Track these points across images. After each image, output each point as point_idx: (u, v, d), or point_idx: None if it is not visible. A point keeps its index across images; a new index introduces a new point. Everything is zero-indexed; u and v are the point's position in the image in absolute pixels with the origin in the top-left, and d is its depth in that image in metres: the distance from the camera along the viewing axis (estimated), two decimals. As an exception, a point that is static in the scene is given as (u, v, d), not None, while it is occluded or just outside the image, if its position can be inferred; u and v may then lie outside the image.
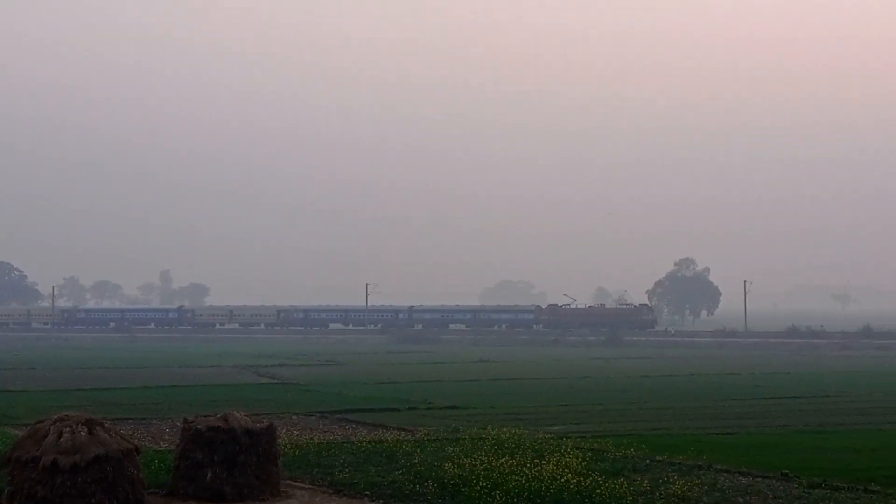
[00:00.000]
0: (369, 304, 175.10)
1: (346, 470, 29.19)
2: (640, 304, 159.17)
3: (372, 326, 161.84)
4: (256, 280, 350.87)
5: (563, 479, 25.96)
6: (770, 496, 25.99)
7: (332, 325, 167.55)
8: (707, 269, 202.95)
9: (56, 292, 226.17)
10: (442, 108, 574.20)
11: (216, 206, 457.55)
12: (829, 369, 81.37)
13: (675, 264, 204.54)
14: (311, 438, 36.04)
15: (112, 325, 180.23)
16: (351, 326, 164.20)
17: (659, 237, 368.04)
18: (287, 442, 32.75)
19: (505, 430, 36.13)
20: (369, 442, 35.10)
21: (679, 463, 30.75)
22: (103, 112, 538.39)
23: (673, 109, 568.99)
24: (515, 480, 25.86)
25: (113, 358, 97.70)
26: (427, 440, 35.69)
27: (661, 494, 25.28)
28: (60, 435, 24.22)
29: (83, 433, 24.37)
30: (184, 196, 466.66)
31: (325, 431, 39.26)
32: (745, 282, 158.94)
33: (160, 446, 33.34)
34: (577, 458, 29.04)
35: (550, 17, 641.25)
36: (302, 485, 27.36)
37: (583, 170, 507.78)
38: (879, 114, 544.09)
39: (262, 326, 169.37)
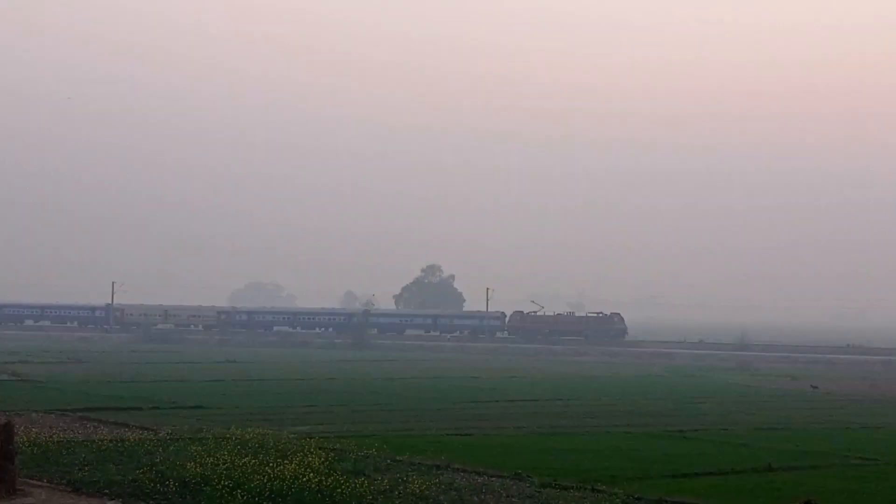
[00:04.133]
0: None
1: (86, 468, 28.52)
2: (611, 313, 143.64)
3: (321, 330, 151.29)
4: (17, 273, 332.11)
5: (304, 479, 25.96)
6: (504, 495, 26.63)
7: (276, 328, 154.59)
8: (452, 276, 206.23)
9: None
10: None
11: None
12: (563, 374, 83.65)
13: (422, 270, 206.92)
14: (51, 437, 34.95)
15: (29, 322, 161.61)
16: (299, 330, 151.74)
17: (407, 243, 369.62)
18: (25, 440, 31.72)
19: (249, 429, 35.84)
20: (111, 440, 34.36)
21: (419, 463, 31.16)
22: None
23: (416, 112, 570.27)
24: (258, 480, 25.74)
25: None
26: (170, 439, 35.18)
27: (400, 493, 25.59)
28: None
29: None
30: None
31: (65, 430, 38.11)
32: (487, 289, 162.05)
33: None
34: (320, 458, 29.06)
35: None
36: (39, 483, 26.62)
37: (336, 168, 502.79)
38: (610, 129, 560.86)
39: (200, 328, 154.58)
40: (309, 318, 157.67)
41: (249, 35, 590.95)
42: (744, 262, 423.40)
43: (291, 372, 78.13)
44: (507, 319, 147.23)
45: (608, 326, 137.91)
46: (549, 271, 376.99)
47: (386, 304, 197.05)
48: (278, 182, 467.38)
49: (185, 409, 47.31)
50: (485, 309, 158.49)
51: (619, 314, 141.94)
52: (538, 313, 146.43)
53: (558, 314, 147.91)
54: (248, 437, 34.02)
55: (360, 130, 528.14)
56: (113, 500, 24.64)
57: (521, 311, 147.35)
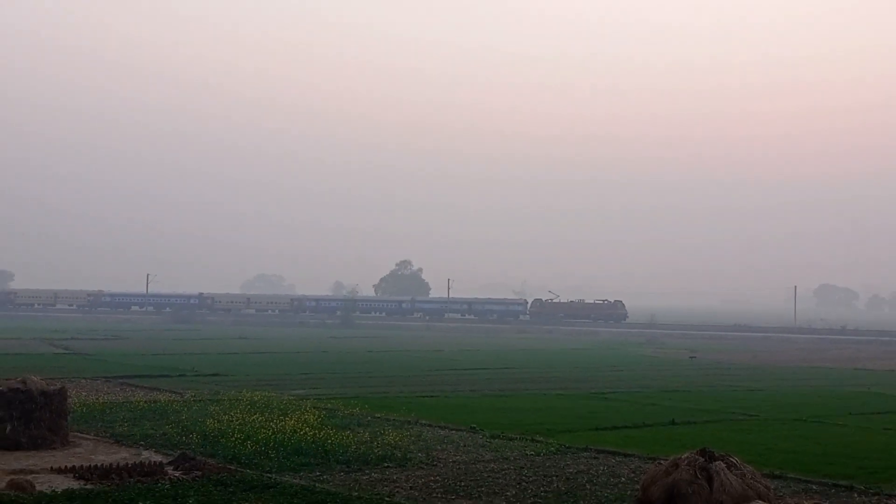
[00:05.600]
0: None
1: (125, 424, 28.50)
2: (615, 300, 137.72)
3: (376, 314, 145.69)
4: (58, 266, 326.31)
5: (302, 432, 26.08)
6: (461, 444, 26.79)
7: (338, 312, 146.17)
8: (420, 269, 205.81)
9: None
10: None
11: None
12: (509, 348, 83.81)
13: (396, 264, 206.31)
14: (97, 399, 34.84)
15: (135, 308, 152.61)
16: (358, 314, 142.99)
17: (384, 241, 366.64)
18: (76, 401, 31.65)
19: (257, 393, 35.87)
20: (145, 402, 34.25)
21: (393, 419, 31.28)
22: None
23: (394, 133, 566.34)
24: (264, 433, 25.80)
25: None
26: (193, 400, 35.09)
27: (378, 443, 25.67)
28: None
29: None
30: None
31: (108, 393, 37.95)
32: (448, 279, 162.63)
33: (-35, 405, 31.52)
34: (314, 416, 29.16)
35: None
36: (87, 436, 26.57)
37: (327, 177, 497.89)
38: (546, 149, 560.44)
39: (277, 313, 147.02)
40: (366, 304, 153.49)
41: (267, 68, 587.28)
42: (653, 257, 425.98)
43: (291, 346, 77.93)
44: (528, 305, 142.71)
45: (612, 311, 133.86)
46: (497, 263, 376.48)
47: (367, 292, 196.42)
48: (280, 190, 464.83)
49: (206, 377, 47.11)
50: (447, 295, 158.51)
51: (620, 301, 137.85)
52: (554, 301, 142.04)
53: (571, 301, 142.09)
54: (256, 398, 34.05)
55: (347, 146, 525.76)
56: (147, 449, 24.59)
57: (540, 299, 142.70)
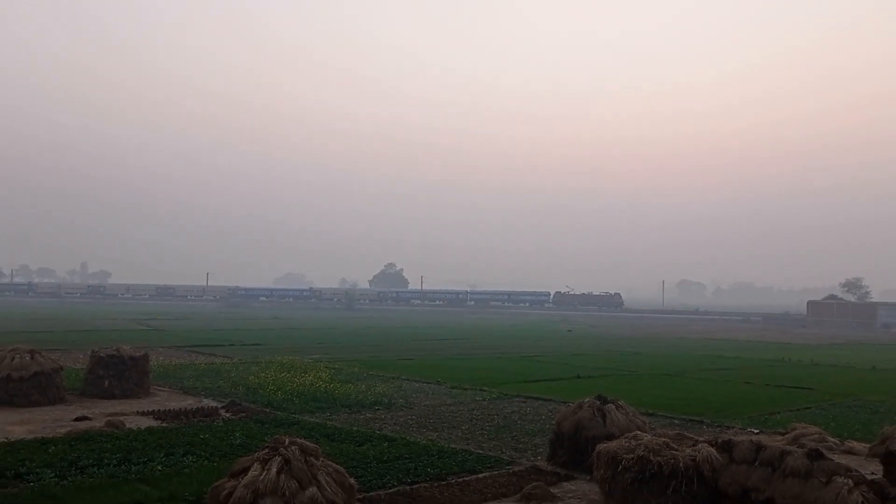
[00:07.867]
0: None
1: (191, 380, 28.21)
2: (614, 293, 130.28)
3: (439, 302, 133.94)
4: (143, 265, 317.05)
5: (317, 385, 26.03)
6: (430, 393, 26.79)
7: (412, 300, 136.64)
8: (402, 269, 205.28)
9: (13, 273, 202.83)
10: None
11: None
12: (468, 323, 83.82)
13: (384, 266, 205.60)
14: (171, 361, 34.49)
15: (262, 298, 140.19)
16: (426, 302, 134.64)
17: (373, 246, 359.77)
18: (155, 363, 31.32)
19: (286, 357, 35.70)
20: (205, 364, 33.94)
21: (382, 375, 31.21)
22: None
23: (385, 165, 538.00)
24: (290, 385, 25.75)
25: (48, 312, 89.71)
26: (240, 363, 34.80)
27: (371, 393, 25.63)
28: (13, 359, 23.22)
29: (27, 357, 23.35)
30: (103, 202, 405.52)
31: (178, 357, 37.50)
32: (421, 276, 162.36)
33: (76, 366, 31.07)
34: (326, 373, 29.17)
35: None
36: (163, 388, 26.30)
37: (339, 197, 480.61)
38: (500, 179, 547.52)
39: (368, 303, 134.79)
40: (433, 294, 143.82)
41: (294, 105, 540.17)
42: (562, 256, 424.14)
43: (311, 324, 77.35)
44: (551, 296, 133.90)
45: (612, 300, 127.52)
46: (460, 262, 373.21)
47: (363, 286, 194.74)
48: (301, 208, 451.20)
49: (249, 346, 46.63)
50: (419, 287, 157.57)
51: (619, 294, 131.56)
52: (571, 293, 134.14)
53: (583, 293, 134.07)
54: (284, 361, 33.90)
55: (338, 168, 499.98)
56: (207, 398, 24.38)
57: (560, 291, 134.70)
